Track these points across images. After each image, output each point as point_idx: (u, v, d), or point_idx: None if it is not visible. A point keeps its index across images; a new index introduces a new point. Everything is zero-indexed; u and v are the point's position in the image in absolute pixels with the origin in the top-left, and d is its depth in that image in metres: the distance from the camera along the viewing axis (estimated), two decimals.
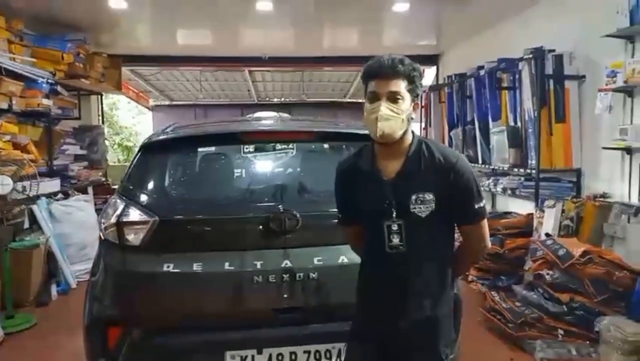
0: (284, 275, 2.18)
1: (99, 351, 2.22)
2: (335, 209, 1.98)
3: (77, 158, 6.64)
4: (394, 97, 1.69)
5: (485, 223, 1.83)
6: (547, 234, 4.22)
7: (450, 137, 6.78)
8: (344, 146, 2.48)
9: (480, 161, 5.92)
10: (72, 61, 5.86)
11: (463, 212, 1.78)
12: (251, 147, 2.41)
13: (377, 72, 1.71)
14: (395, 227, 1.73)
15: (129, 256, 2.20)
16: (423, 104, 7.89)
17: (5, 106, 4.79)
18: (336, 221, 2.00)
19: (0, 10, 5.06)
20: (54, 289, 4.99)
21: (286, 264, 2.19)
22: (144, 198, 2.26)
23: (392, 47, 7.77)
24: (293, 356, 2.23)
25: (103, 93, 7.60)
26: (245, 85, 10.51)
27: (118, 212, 2.21)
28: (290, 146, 2.42)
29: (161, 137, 2.49)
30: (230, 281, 2.17)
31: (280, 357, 2.22)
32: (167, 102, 12.25)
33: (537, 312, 3.69)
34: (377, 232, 1.75)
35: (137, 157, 2.46)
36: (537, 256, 3.96)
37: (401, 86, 1.70)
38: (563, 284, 3.66)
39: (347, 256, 2.20)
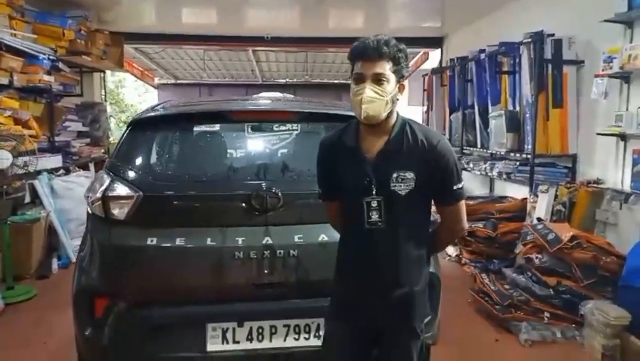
0: (265, 252, 2.23)
1: (87, 321, 2.29)
2: (317, 188, 2.01)
3: (80, 135, 6.71)
4: (378, 79, 1.71)
5: (462, 204, 1.87)
6: (539, 219, 4.24)
7: (450, 121, 6.76)
8: (330, 127, 2.50)
9: (479, 145, 5.92)
10: (73, 37, 5.88)
11: (442, 192, 1.82)
12: (237, 126, 2.45)
13: (362, 53, 1.72)
14: (374, 203, 1.77)
15: (114, 230, 2.25)
16: (425, 87, 7.87)
17: (5, 81, 4.84)
18: (318, 200, 2.03)
19: None
20: (54, 263, 5.10)
21: (267, 241, 2.24)
22: (129, 173, 2.31)
23: (397, 28, 7.72)
24: (273, 330, 2.30)
25: (105, 70, 7.61)
26: (250, 65, 10.49)
27: (104, 187, 2.26)
28: (276, 125, 2.45)
29: (148, 114, 2.53)
30: (212, 256, 2.23)
31: (260, 330, 2.29)
32: (172, 81, 12.26)
33: (525, 295, 3.74)
34: (357, 208, 1.79)
35: (125, 133, 2.50)
36: (528, 240, 4.00)
37: (386, 67, 1.71)
38: (551, 268, 3.69)
39: (327, 234, 2.24)
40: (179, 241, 2.21)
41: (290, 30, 7.79)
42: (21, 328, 3.73)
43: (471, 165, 5.76)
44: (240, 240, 2.23)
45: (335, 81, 12.17)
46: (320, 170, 1.94)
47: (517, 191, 5.25)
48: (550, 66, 4.53)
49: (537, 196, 4.52)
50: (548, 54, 4.53)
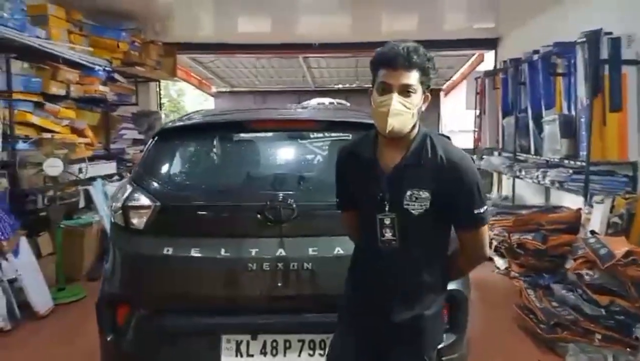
0: (278, 264, 2.19)
1: (109, 328, 2.35)
2: (333, 200, 1.94)
3: (135, 142, 7.00)
4: (406, 90, 1.60)
5: (484, 230, 1.73)
6: (592, 232, 3.94)
7: (502, 126, 6.46)
8: (350, 136, 2.44)
9: (532, 152, 5.61)
10: (128, 49, 6.15)
11: (461, 216, 1.69)
12: (255, 136, 2.43)
13: (391, 62, 1.59)
14: (387, 221, 1.67)
15: (134, 239, 2.30)
16: (478, 90, 7.59)
17: (62, 92, 5.12)
18: (334, 211, 1.96)
19: (61, 2, 5.40)
20: None
21: (281, 253, 2.20)
22: (149, 183, 2.34)
23: (450, 30, 7.50)
24: (287, 344, 2.25)
25: (160, 80, 7.90)
26: (301, 72, 10.56)
27: (125, 196, 2.31)
28: (295, 134, 2.41)
29: (170, 125, 2.56)
30: (225, 267, 2.22)
31: (274, 344, 2.25)
32: (228, 89, 12.57)
33: (574, 314, 3.48)
34: (371, 224, 1.70)
35: (150, 144, 2.55)
36: (579, 254, 3.73)
37: (415, 78, 1.60)
38: (603, 286, 3.42)
39: (342, 247, 2.17)
40: (193, 252, 2.22)
41: (340, 36, 7.76)
42: (67, 328, 3.91)
43: (523, 173, 5.47)
44: (253, 251, 2.20)
45: None
46: (338, 179, 1.86)
47: (574, 201, 4.91)
48: (607, 67, 4.21)
49: (591, 206, 4.20)
50: (604, 54, 4.22)
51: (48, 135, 4.80)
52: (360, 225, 1.82)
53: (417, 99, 1.63)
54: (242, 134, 2.48)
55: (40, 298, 4.16)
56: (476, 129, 7.69)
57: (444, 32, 7.67)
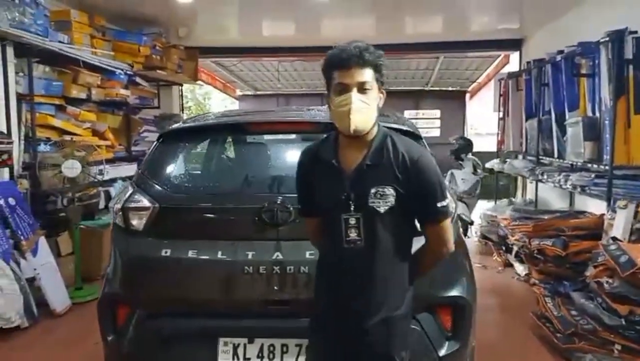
0: (275, 267, 2.17)
1: (109, 328, 2.37)
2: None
3: None
4: (363, 88, 1.64)
5: (447, 223, 1.76)
6: (614, 238, 3.78)
7: (525, 129, 6.30)
8: None
9: (556, 155, 5.43)
10: (149, 53, 6.25)
11: (424, 210, 1.73)
12: (254, 138, 2.42)
13: (344, 62, 1.64)
14: (352, 221, 1.68)
15: (133, 240, 2.31)
16: (501, 92, 7.42)
17: (83, 95, 5.24)
18: None
19: (84, 7, 5.54)
20: None
21: (277, 256, 2.18)
22: (150, 185, 2.35)
23: (475, 31, 7.37)
24: (285, 349, 2.22)
25: (182, 84, 7.99)
26: None
27: (125, 197, 2.33)
28: (294, 136, 2.39)
29: (172, 127, 2.57)
30: (222, 270, 2.21)
31: (271, 348, 2.23)
32: (252, 92, 12.64)
33: (592, 323, 3.33)
34: (335, 225, 1.70)
35: (153, 147, 2.57)
36: (598, 262, 3.57)
37: (369, 75, 1.65)
38: (623, 295, 3.25)
39: None
40: (191, 254, 2.22)
41: (363, 38, 7.69)
42: (82, 326, 3.95)
43: (545, 176, 5.30)
44: (250, 254, 2.19)
45: (411, 88, 11.88)
46: (299, 184, 1.88)
47: (599, 207, 4.73)
48: (631, 67, 4.04)
49: (614, 212, 4.03)
50: (629, 54, 4.05)
51: (68, 137, 4.91)
52: (323, 228, 1.82)
53: (374, 95, 1.67)
54: (241, 137, 2.47)
55: (58, 296, 4.26)
56: (499, 132, 7.52)
57: (468, 33, 7.54)
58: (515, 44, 7.66)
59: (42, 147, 4.67)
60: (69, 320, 4.12)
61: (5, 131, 4.24)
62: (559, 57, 5.26)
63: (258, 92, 12.60)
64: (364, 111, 1.63)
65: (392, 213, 1.66)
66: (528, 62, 6.50)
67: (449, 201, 1.75)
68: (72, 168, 4.41)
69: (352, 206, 1.67)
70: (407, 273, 1.77)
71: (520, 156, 6.87)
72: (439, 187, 1.70)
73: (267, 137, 2.40)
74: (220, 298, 2.22)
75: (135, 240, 2.30)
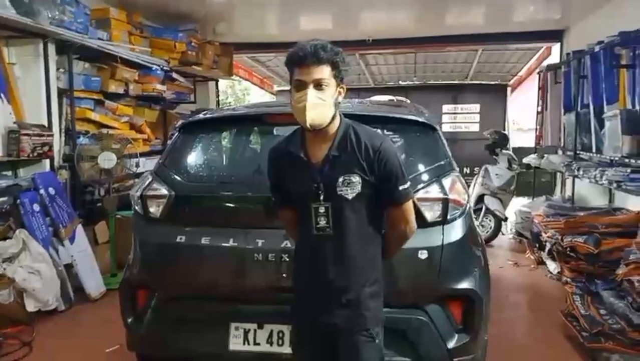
0: (283, 255, 2.21)
1: (129, 311, 2.49)
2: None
3: None
4: (319, 85, 1.72)
5: (409, 205, 1.87)
6: None
7: (563, 123, 6.09)
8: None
9: (594, 150, 5.24)
10: (185, 49, 6.40)
11: (388, 194, 1.82)
12: (269, 129, 2.47)
13: (301, 60, 1.73)
14: (322, 209, 1.79)
15: (151, 226, 2.41)
16: (540, 85, 7.20)
17: (121, 90, 5.45)
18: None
19: (123, 5, 5.74)
20: None
21: (286, 244, 2.22)
22: (168, 174, 2.45)
23: (514, 22, 7.15)
24: None
25: (218, 79, 8.15)
26: (359, 69, 10.50)
27: (144, 186, 2.43)
28: None
29: (190, 119, 2.66)
30: (233, 257, 2.27)
31: (280, 334, 2.28)
32: (288, 87, 12.71)
33: (621, 323, 3.22)
34: (306, 214, 1.83)
35: (173, 137, 2.66)
36: (630, 260, 3.44)
37: (326, 72, 1.73)
38: None
39: None
40: (204, 240, 2.30)
41: (397, 31, 7.63)
42: (114, 311, 4.08)
43: (580, 172, 5.12)
44: (260, 242, 2.25)
45: (450, 82, 11.67)
46: (272, 178, 1.97)
47: (639, 203, 4.55)
48: None
49: None
50: None
51: (106, 131, 5.12)
52: (298, 218, 1.92)
53: (331, 91, 1.75)
54: (257, 128, 2.52)
55: (93, 282, 4.47)
56: (537, 126, 7.30)
57: (507, 24, 7.33)
58: (556, 35, 7.40)
59: (81, 140, 4.89)
60: (103, 305, 4.32)
61: (46, 125, 4.46)
62: (597, 48, 5.05)
63: None
64: (319, 107, 1.72)
65: (360, 199, 1.78)
66: (567, 54, 6.28)
67: (409, 184, 1.85)
68: (108, 160, 4.60)
69: (322, 196, 1.78)
70: (377, 253, 1.89)
71: (560, 151, 6.65)
72: (400, 171, 1.81)
73: (280, 128, 2.44)
74: (231, 284, 2.29)
75: (153, 227, 2.40)
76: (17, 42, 4.38)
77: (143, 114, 6.02)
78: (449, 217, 2.25)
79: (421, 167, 2.35)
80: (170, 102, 6.73)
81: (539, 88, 7.19)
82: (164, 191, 2.36)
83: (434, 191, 2.24)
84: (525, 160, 7.10)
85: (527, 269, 5.36)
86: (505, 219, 6.40)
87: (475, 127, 11.68)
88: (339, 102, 1.80)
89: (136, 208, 2.47)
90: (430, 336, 2.22)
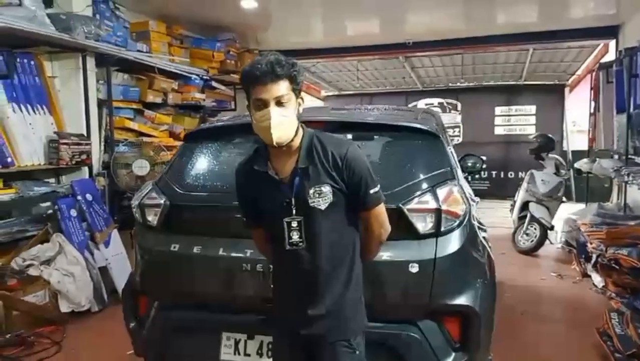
0: (271, 266, 2.18)
1: (131, 316, 2.56)
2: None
3: None
4: (280, 102, 1.68)
5: (381, 207, 1.84)
6: None
7: (613, 125, 5.68)
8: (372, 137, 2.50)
9: None
10: (223, 58, 6.57)
11: (360, 199, 1.79)
12: None
13: (258, 79, 1.67)
14: (294, 224, 1.76)
15: (148, 235, 2.46)
16: (592, 85, 6.75)
17: (159, 100, 5.65)
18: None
19: (163, 18, 5.96)
20: None
21: None
22: (167, 183, 2.49)
23: (564, 19, 6.73)
24: None
25: None
26: (405, 72, 10.32)
27: (143, 195, 2.49)
28: None
29: (192, 130, 2.70)
30: (223, 266, 2.28)
31: (270, 345, 2.25)
32: (335, 93, 12.74)
33: None
34: (278, 230, 1.79)
35: (179, 148, 2.71)
36: None
37: (285, 88, 1.69)
38: None
39: None
40: (196, 250, 2.31)
41: (440, 32, 7.41)
42: None
43: (630, 177, 4.74)
44: (249, 252, 2.23)
45: (503, 83, 11.24)
46: (240, 198, 1.94)
47: None
48: None
49: None
50: None
51: (144, 139, 5.33)
52: (269, 235, 1.90)
53: (292, 106, 1.72)
54: (252, 137, 2.51)
55: None
56: (590, 128, 6.85)
57: (556, 21, 6.92)
58: (610, 32, 6.91)
59: (120, 148, 5.11)
60: None
61: (85, 134, 4.70)
62: None
63: (342, 92, 12.67)
64: (284, 124, 1.69)
65: (333, 208, 1.75)
66: (619, 52, 5.85)
67: (379, 187, 1.82)
68: (141, 167, 4.77)
69: (294, 210, 1.75)
70: (355, 260, 1.84)
71: (616, 156, 6.21)
72: (369, 175, 1.78)
73: None
74: (222, 294, 2.30)
75: (150, 235, 2.45)
76: (58, 56, 4.65)
77: (183, 122, 6.20)
78: (443, 229, 2.13)
79: (417, 177, 2.25)
80: (211, 110, 6.90)
81: (591, 88, 6.76)
82: (159, 200, 2.40)
83: (426, 201, 2.14)
84: (576, 165, 6.69)
85: (571, 281, 5.03)
86: (552, 227, 6.05)
87: (532, 130, 11.17)
88: (300, 112, 1.77)
89: (137, 216, 2.53)
90: (422, 353, 2.11)
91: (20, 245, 4.18)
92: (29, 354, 3.50)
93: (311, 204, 1.73)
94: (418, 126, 2.42)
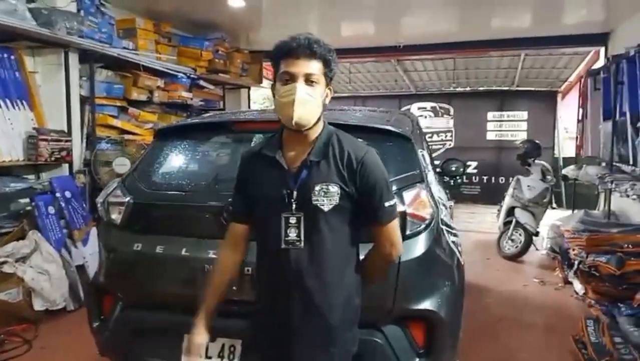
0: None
1: (95, 316, 2.52)
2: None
3: None
4: (310, 80, 1.59)
5: (395, 224, 1.70)
6: None
7: (599, 132, 5.68)
8: None
9: (631, 161, 4.83)
10: (212, 57, 6.53)
11: (371, 210, 1.66)
12: (235, 137, 2.42)
13: (293, 51, 1.58)
14: (293, 220, 1.62)
15: (112, 233, 2.43)
16: (580, 91, 6.75)
17: (144, 98, 5.60)
18: None
19: (150, 14, 5.92)
20: None
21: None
22: (133, 182, 2.45)
23: (555, 25, 6.73)
24: (247, 350, 2.20)
25: (250, 87, 8.22)
26: (398, 75, 10.32)
27: (108, 192, 2.45)
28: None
29: (162, 127, 2.67)
30: (185, 267, 2.23)
31: (232, 348, 2.22)
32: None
33: (633, 353, 2.93)
34: (274, 225, 1.64)
35: (149, 145, 2.67)
36: None
37: (317, 67, 1.60)
38: None
39: None
40: (158, 249, 2.27)
41: (432, 36, 7.39)
42: None
43: (613, 185, 4.74)
44: (211, 252, 2.18)
45: (496, 88, 11.23)
46: (238, 184, 1.80)
47: None
48: None
49: None
50: None
51: (127, 137, 5.28)
52: (260, 231, 1.75)
53: (321, 89, 1.62)
54: (223, 136, 2.49)
55: None
56: (578, 135, 6.85)
57: (547, 28, 6.92)
58: (600, 39, 6.92)
59: (102, 145, 5.05)
60: None
61: (66, 130, 4.65)
62: (632, 52, 4.67)
63: (334, 95, 12.55)
64: (308, 103, 1.57)
65: (337, 212, 1.61)
66: (607, 58, 5.85)
67: (395, 201, 1.70)
68: (122, 165, 4.73)
69: (294, 205, 1.61)
70: (352, 279, 1.71)
71: (603, 163, 6.20)
72: (385, 185, 1.66)
73: (248, 135, 2.40)
74: (184, 295, 2.24)
75: (114, 233, 2.42)
76: (40, 52, 4.60)
77: (169, 121, 6.15)
78: (408, 232, 2.10)
79: None
80: (198, 109, 6.85)
81: (579, 95, 6.76)
82: (123, 198, 2.37)
83: None
84: (564, 171, 6.69)
85: (552, 288, 5.00)
86: (537, 233, 6.03)
87: (523, 135, 11.17)
88: (326, 104, 1.67)
89: (101, 214, 2.49)
90: (385, 359, 2.08)
91: None
92: None
93: (314, 202, 1.59)
94: (389, 128, 2.40)
